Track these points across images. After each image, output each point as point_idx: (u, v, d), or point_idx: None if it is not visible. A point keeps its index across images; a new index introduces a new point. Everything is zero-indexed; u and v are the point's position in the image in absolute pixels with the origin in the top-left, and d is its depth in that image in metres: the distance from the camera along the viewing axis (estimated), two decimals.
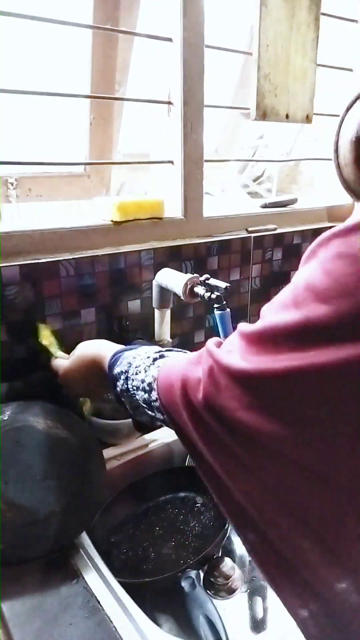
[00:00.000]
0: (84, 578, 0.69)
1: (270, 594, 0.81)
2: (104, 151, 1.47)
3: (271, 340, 0.43)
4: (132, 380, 0.62)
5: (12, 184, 1.28)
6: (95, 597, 0.66)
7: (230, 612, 0.77)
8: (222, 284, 0.86)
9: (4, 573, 0.69)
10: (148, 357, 0.63)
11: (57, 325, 0.99)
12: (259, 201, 1.43)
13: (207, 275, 0.89)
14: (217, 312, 0.86)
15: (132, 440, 0.99)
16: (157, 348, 0.66)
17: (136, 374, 0.62)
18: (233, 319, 0.87)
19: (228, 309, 0.86)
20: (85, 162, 1.47)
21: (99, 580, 0.68)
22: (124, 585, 0.68)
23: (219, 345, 0.52)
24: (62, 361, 0.84)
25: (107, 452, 0.95)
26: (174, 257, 1.14)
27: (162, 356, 0.63)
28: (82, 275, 1.00)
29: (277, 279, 1.39)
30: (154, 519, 0.89)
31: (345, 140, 0.53)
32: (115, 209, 1.05)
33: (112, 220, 1.06)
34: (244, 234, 1.28)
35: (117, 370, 0.66)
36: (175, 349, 0.66)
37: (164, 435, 1.03)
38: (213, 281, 0.88)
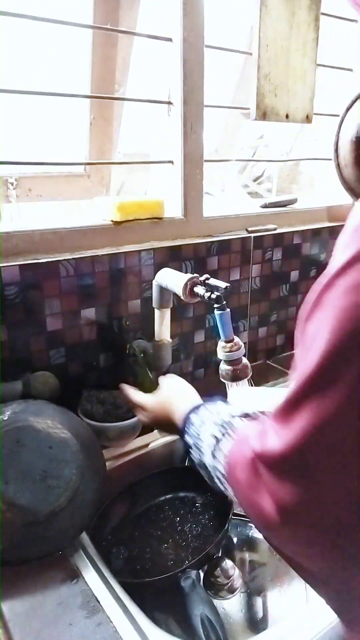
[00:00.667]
0: (84, 578, 0.69)
1: (270, 593, 0.81)
2: (104, 151, 1.47)
3: (295, 402, 0.41)
4: (204, 458, 0.61)
5: (12, 184, 1.28)
6: (95, 597, 0.66)
7: (230, 612, 0.77)
8: (222, 284, 0.86)
9: (4, 573, 0.69)
10: (213, 438, 0.60)
11: (57, 325, 0.99)
12: (259, 201, 1.43)
13: (207, 275, 0.89)
14: (217, 312, 0.86)
15: (123, 443, 0.99)
16: (223, 418, 0.62)
17: (205, 454, 0.60)
18: (233, 319, 0.87)
19: (228, 309, 0.86)
20: (85, 162, 1.47)
21: (99, 580, 0.68)
22: (124, 585, 0.68)
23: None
24: (145, 399, 0.85)
25: (107, 452, 0.95)
26: (174, 257, 1.14)
27: (224, 434, 0.59)
28: (82, 275, 1.00)
29: (277, 279, 1.39)
30: (154, 519, 0.89)
31: (345, 140, 0.53)
32: (115, 209, 1.05)
33: (112, 220, 1.06)
34: (244, 234, 1.28)
35: (188, 439, 0.65)
36: (238, 417, 0.61)
37: (164, 435, 1.03)
38: (213, 281, 0.88)
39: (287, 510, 0.42)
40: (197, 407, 0.68)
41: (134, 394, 0.88)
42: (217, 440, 0.59)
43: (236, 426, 0.59)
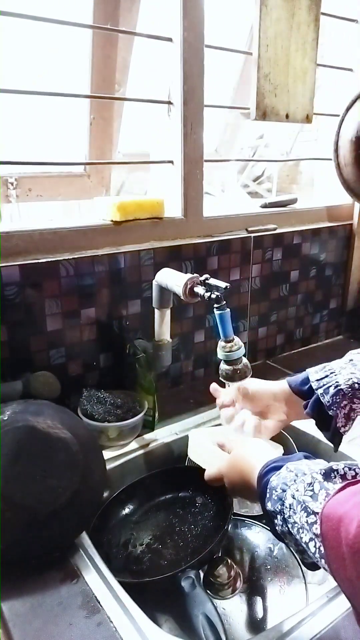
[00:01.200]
0: (84, 578, 0.69)
1: (270, 593, 0.81)
2: (104, 151, 1.47)
3: None
4: (293, 527, 0.53)
5: (12, 184, 1.28)
6: (95, 597, 0.66)
7: (230, 612, 0.77)
8: (222, 284, 0.86)
9: (4, 573, 0.69)
10: (305, 512, 0.51)
11: (57, 325, 0.99)
12: (259, 201, 1.43)
13: (207, 275, 0.89)
14: (217, 312, 0.86)
15: (122, 443, 0.99)
16: (312, 479, 0.53)
17: (294, 522, 0.53)
18: (233, 319, 0.87)
19: (228, 309, 0.86)
20: (85, 162, 1.47)
21: (99, 580, 0.68)
22: (124, 585, 0.68)
23: None
24: (217, 469, 0.74)
25: (107, 452, 0.95)
26: (174, 257, 1.14)
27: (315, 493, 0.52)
28: (82, 275, 1.00)
29: (277, 279, 1.39)
30: (154, 519, 0.89)
31: (345, 140, 0.53)
32: (115, 209, 1.05)
33: (112, 220, 1.06)
34: (244, 234, 1.28)
35: (270, 506, 0.56)
36: (330, 479, 0.53)
37: (164, 435, 1.03)
38: (213, 281, 0.88)
39: None
40: (276, 467, 0.59)
41: (207, 474, 0.76)
42: (310, 508, 0.51)
43: (329, 487, 0.51)
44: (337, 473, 0.53)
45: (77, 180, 1.44)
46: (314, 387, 0.74)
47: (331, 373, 0.74)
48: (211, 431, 0.93)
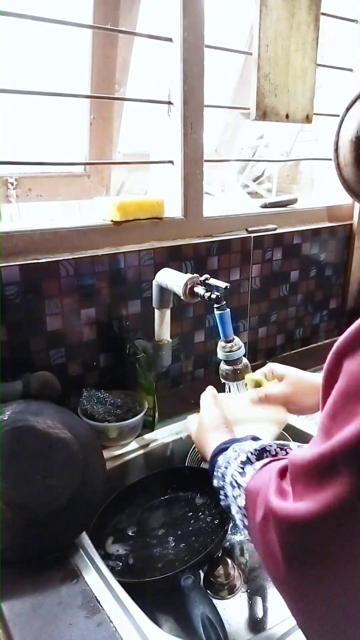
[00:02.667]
0: (84, 578, 0.69)
1: (270, 593, 0.81)
2: (104, 151, 1.47)
3: (324, 470, 0.38)
4: (229, 501, 0.58)
5: (12, 184, 1.28)
6: (95, 597, 0.66)
7: (230, 612, 0.77)
8: (222, 284, 0.86)
9: (4, 573, 0.69)
10: (233, 487, 0.57)
11: (57, 325, 0.99)
12: (259, 201, 1.43)
13: (207, 275, 0.89)
14: (217, 312, 0.86)
15: (122, 443, 0.99)
16: (243, 458, 0.58)
17: (229, 497, 0.58)
18: (233, 319, 0.87)
19: (228, 309, 0.86)
20: (85, 162, 1.47)
21: (99, 580, 0.68)
22: (124, 585, 0.68)
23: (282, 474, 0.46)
24: (194, 422, 0.82)
25: (107, 452, 0.95)
26: (174, 257, 1.14)
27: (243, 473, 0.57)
28: (82, 275, 1.00)
29: (277, 279, 1.39)
30: (154, 519, 0.89)
31: (345, 140, 0.53)
32: (115, 209, 1.05)
33: (112, 220, 1.06)
34: (244, 234, 1.28)
35: (215, 483, 0.62)
36: (262, 459, 0.58)
37: (164, 435, 1.03)
38: (213, 281, 0.88)
39: (294, 570, 0.41)
40: (224, 448, 0.65)
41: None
42: (238, 482, 0.56)
43: (257, 465, 0.56)
44: (269, 453, 0.58)
45: (77, 180, 1.44)
46: None
47: None
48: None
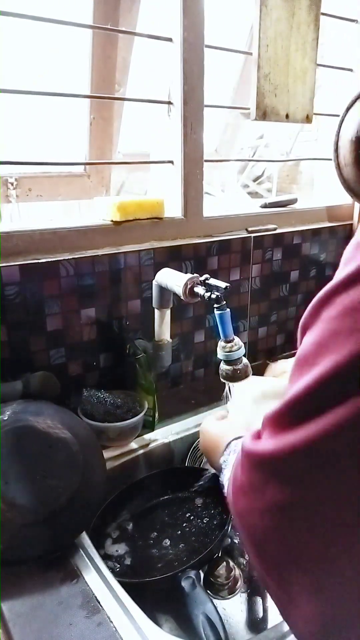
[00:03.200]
0: (84, 578, 0.69)
1: None
2: (104, 151, 1.47)
3: (291, 414, 0.41)
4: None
5: (12, 184, 1.28)
6: (95, 597, 0.66)
7: (230, 612, 0.77)
8: (222, 284, 0.86)
9: (4, 573, 0.69)
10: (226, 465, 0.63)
11: (57, 325, 0.99)
12: (259, 201, 1.43)
13: (207, 275, 0.89)
14: (217, 312, 0.86)
15: (122, 443, 0.99)
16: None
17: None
18: (233, 319, 0.87)
19: (228, 309, 0.86)
20: (85, 162, 1.47)
21: (99, 580, 0.68)
22: (124, 585, 0.68)
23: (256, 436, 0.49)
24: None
25: (107, 452, 0.95)
26: (174, 257, 1.14)
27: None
28: (82, 275, 1.00)
29: (277, 279, 1.39)
30: (154, 519, 0.89)
31: (345, 140, 0.53)
32: (115, 209, 1.05)
33: (112, 220, 1.06)
34: (244, 234, 1.28)
35: (221, 479, 0.66)
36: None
37: (164, 435, 1.03)
38: (213, 281, 0.88)
39: (270, 510, 0.42)
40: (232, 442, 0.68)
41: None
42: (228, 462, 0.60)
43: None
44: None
45: (77, 180, 1.44)
46: None
47: None
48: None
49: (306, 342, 0.41)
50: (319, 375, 0.38)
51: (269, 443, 0.42)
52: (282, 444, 0.41)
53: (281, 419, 0.42)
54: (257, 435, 0.46)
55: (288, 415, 0.41)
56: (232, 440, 0.68)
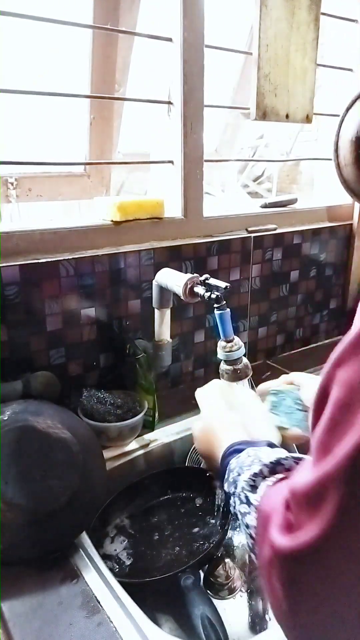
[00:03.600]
0: (84, 578, 0.69)
1: None
2: (104, 151, 1.47)
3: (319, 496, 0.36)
4: (239, 512, 0.56)
5: (12, 184, 1.28)
6: (95, 597, 0.66)
7: (230, 612, 0.77)
8: (222, 284, 0.86)
9: (4, 573, 0.69)
10: (243, 498, 0.54)
11: (57, 325, 0.99)
12: (259, 201, 1.43)
13: (207, 275, 0.89)
14: (217, 312, 0.86)
15: (122, 443, 0.99)
16: (256, 469, 0.55)
17: (239, 509, 0.55)
18: (233, 319, 0.87)
19: (228, 309, 0.86)
20: (85, 162, 1.47)
21: (99, 580, 0.68)
22: (124, 585, 0.68)
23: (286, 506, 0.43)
24: (193, 427, 0.80)
25: (107, 452, 0.95)
26: (174, 257, 1.14)
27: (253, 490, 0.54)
28: (82, 275, 1.00)
29: (277, 279, 1.39)
30: (154, 519, 0.89)
31: (345, 140, 0.53)
32: (115, 209, 1.05)
33: (112, 220, 1.06)
34: (244, 234, 1.28)
35: (226, 487, 0.60)
36: (275, 476, 0.54)
37: (164, 435, 1.03)
38: (213, 281, 0.88)
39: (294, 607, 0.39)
40: (238, 449, 0.63)
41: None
42: (248, 499, 0.54)
43: (269, 480, 0.53)
44: (283, 467, 0.54)
45: (77, 180, 1.44)
46: None
47: None
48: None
49: (330, 408, 0.37)
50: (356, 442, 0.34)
51: (300, 537, 0.37)
52: (316, 532, 0.36)
53: (313, 497, 0.37)
54: (284, 524, 0.41)
55: (321, 492, 0.36)
56: (228, 450, 0.65)
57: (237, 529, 0.91)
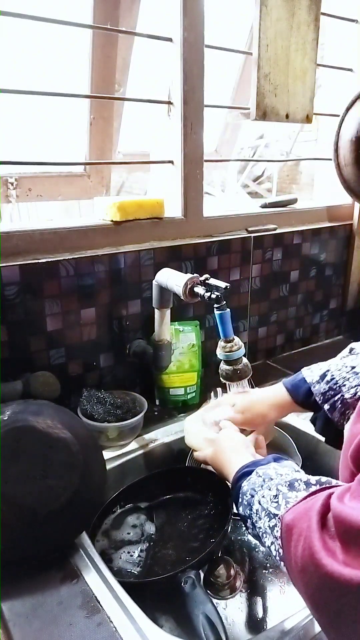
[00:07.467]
0: (84, 578, 0.69)
1: (270, 593, 0.81)
2: (103, 151, 1.47)
3: None
4: (258, 531, 0.58)
5: (12, 184, 1.28)
6: (95, 597, 0.66)
7: (230, 612, 0.77)
8: (222, 284, 0.86)
9: (4, 573, 0.69)
10: (268, 517, 0.56)
11: (57, 325, 0.99)
12: (259, 201, 1.43)
13: (207, 275, 0.89)
14: (217, 312, 0.86)
15: (122, 443, 0.99)
16: (276, 490, 0.57)
17: (259, 527, 0.57)
18: (233, 319, 0.87)
19: (228, 309, 0.86)
20: (85, 162, 1.47)
21: (99, 580, 0.68)
22: (124, 585, 0.68)
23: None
24: (204, 456, 0.82)
25: (107, 452, 0.95)
26: (174, 257, 1.14)
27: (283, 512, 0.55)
28: (82, 275, 1.00)
29: (277, 279, 1.39)
30: (154, 519, 0.89)
31: (345, 140, 0.53)
32: (115, 209, 1.05)
33: (112, 220, 1.06)
34: (244, 234, 1.28)
35: (241, 511, 0.62)
36: (300, 494, 0.55)
37: (164, 435, 1.03)
38: (213, 281, 0.88)
39: None
40: (248, 472, 0.64)
41: (196, 455, 0.86)
42: (269, 509, 0.56)
43: (293, 495, 0.55)
44: (301, 481, 0.57)
45: (77, 180, 1.44)
46: (319, 401, 0.75)
47: (335, 385, 0.74)
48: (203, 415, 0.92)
49: None
50: None
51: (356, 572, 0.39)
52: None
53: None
54: (328, 547, 0.43)
55: None
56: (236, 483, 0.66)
57: (235, 528, 0.92)
